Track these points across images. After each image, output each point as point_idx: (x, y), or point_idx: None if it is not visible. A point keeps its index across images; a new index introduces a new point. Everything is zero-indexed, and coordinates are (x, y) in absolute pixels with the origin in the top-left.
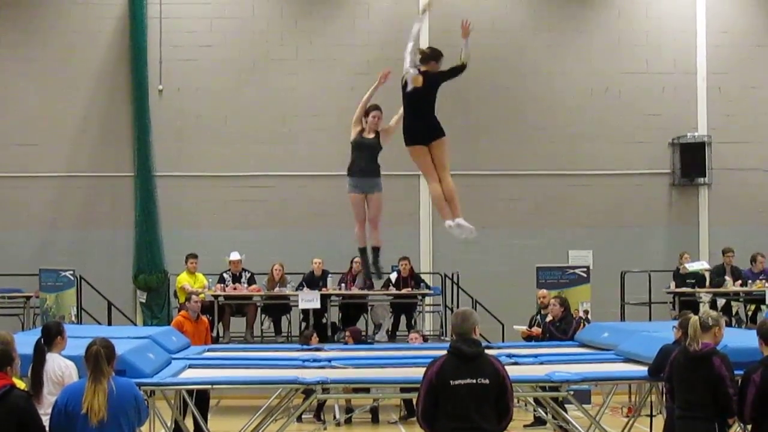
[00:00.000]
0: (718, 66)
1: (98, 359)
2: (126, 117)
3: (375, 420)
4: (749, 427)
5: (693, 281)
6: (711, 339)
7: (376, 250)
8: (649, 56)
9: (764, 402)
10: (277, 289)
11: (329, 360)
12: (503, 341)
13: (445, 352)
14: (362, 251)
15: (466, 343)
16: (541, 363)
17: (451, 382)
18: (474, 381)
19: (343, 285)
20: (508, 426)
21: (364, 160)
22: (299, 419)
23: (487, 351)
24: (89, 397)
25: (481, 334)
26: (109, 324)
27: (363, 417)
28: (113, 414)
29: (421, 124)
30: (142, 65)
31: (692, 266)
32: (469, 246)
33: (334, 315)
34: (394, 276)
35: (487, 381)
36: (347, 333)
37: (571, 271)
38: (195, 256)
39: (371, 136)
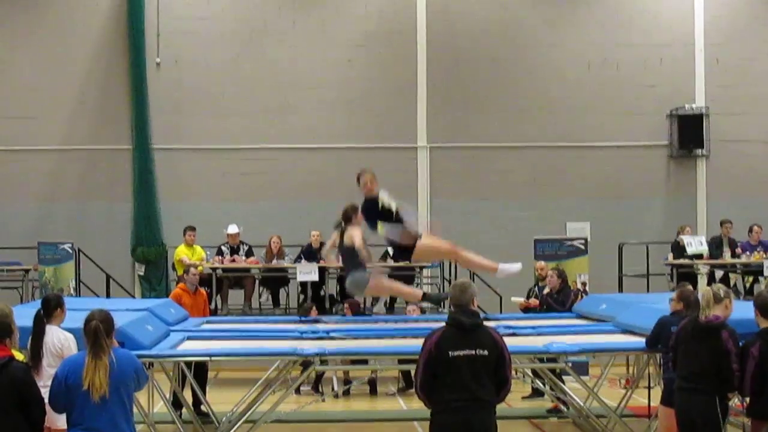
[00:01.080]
0: (716, 37)
1: (98, 334)
2: (124, 89)
3: (373, 391)
4: (747, 399)
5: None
6: (722, 311)
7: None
8: (646, 28)
9: (763, 375)
10: (275, 261)
11: (327, 332)
12: (501, 313)
13: (443, 323)
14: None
15: (465, 315)
16: (539, 334)
17: (450, 353)
18: (473, 352)
19: (341, 257)
20: (506, 397)
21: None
22: (297, 391)
23: (485, 323)
24: (90, 373)
25: (479, 306)
26: (108, 296)
27: (361, 389)
28: (114, 386)
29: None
30: (139, 37)
31: (692, 248)
32: (467, 218)
33: (332, 287)
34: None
35: (486, 352)
36: (346, 305)
37: (569, 242)
38: (193, 229)
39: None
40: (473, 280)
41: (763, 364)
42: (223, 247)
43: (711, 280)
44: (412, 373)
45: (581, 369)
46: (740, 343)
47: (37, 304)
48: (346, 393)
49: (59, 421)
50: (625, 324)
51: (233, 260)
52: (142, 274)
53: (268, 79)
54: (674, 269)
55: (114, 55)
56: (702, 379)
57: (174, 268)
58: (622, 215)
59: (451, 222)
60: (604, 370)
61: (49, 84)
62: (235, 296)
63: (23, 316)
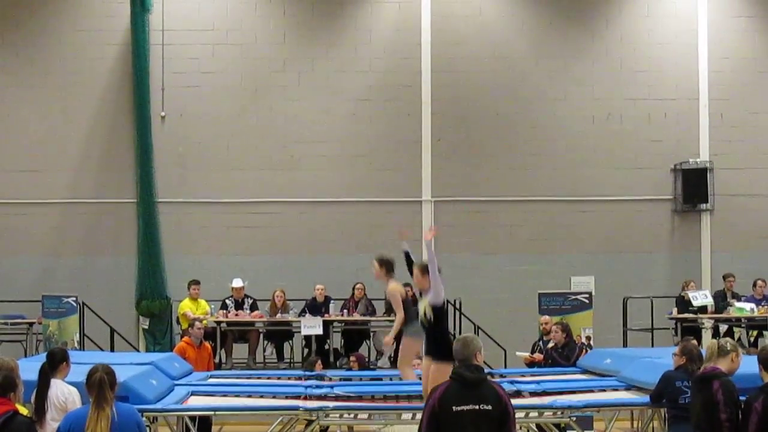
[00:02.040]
0: (720, 92)
1: (101, 386)
2: (128, 143)
3: None
4: None
5: (695, 308)
6: (727, 365)
7: None
8: (651, 82)
9: (767, 430)
10: (279, 315)
11: (331, 387)
12: (505, 367)
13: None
14: None
15: (469, 369)
16: (544, 389)
17: (454, 408)
18: (477, 407)
19: (345, 311)
20: None
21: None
22: None
23: (489, 378)
24: (92, 424)
25: (484, 361)
26: (112, 350)
27: None
28: None
29: None
30: (144, 91)
31: (697, 302)
32: (472, 272)
33: (336, 341)
34: None
35: (489, 407)
36: (352, 358)
37: (574, 297)
38: (197, 283)
39: None
40: (477, 335)
41: (767, 419)
42: (227, 301)
43: (715, 334)
44: (416, 428)
45: (585, 423)
46: (741, 397)
47: (41, 358)
48: None
49: None
50: (629, 379)
51: (237, 314)
52: (146, 327)
53: (272, 133)
54: (679, 323)
55: (119, 108)
56: (699, 430)
57: (178, 322)
58: (626, 269)
59: (455, 276)
60: (609, 424)
61: (54, 137)
62: (240, 350)
63: (27, 369)
